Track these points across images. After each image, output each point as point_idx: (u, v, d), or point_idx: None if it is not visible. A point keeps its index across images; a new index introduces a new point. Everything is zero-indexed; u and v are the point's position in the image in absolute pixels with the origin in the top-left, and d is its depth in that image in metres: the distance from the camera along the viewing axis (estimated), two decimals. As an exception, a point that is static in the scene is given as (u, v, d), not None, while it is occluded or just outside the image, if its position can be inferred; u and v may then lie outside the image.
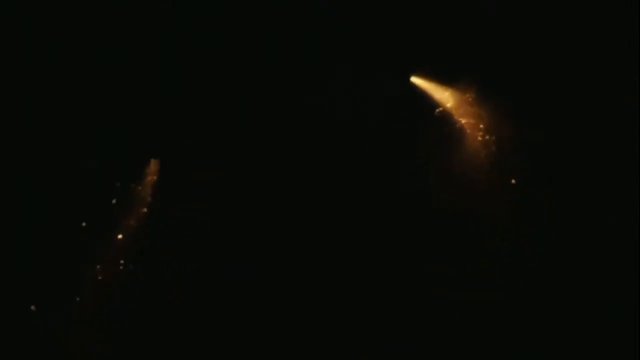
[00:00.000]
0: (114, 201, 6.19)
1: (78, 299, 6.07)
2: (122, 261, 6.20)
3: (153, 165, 6.32)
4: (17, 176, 6.12)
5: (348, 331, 6.12)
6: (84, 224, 6.11)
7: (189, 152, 6.33)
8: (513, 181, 6.10)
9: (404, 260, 6.19)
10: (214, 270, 6.26)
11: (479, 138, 6.16)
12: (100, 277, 6.15)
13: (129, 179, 6.28)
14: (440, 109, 6.20)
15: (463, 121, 6.22)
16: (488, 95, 6.12)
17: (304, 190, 6.32)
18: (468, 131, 6.18)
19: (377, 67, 6.29)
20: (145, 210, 6.28)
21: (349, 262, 6.21)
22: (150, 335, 6.15)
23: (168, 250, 6.26)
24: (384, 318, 6.12)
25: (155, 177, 6.30)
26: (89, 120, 6.28)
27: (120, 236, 6.22)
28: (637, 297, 5.73)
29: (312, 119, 6.33)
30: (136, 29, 6.24)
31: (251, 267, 6.23)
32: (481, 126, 6.20)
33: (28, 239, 6.08)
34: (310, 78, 6.34)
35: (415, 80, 6.23)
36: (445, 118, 6.24)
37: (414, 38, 6.24)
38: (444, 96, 6.25)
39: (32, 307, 5.98)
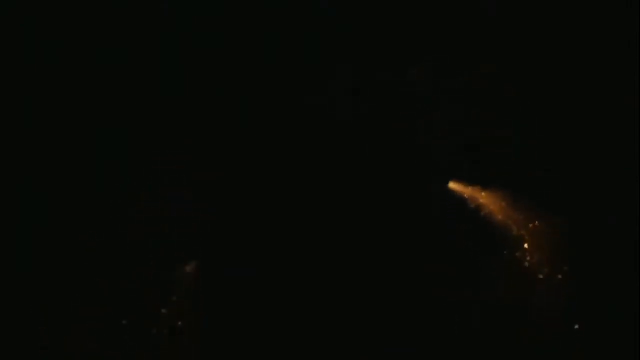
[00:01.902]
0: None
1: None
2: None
3: None
4: (17, 176, 6.13)
5: (348, 331, 6.12)
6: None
7: (189, 152, 6.34)
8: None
9: (404, 260, 6.19)
10: (213, 270, 6.26)
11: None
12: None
13: (129, 178, 6.29)
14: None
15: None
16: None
17: (303, 190, 6.32)
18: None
19: (377, 67, 6.30)
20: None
21: (349, 262, 6.21)
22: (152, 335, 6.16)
23: (168, 251, 6.26)
24: (384, 318, 6.12)
25: None
26: (88, 120, 6.28)
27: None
28: (637, 297, 5.74)
29: (312, 119, 6.34)
30: (136, 29, 6.25)
31: (251, 267, 6.23)
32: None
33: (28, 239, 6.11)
34: (310, 78, 6.35)
35: (453, 185, 6.25)
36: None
37: (414, 37, 6.25)
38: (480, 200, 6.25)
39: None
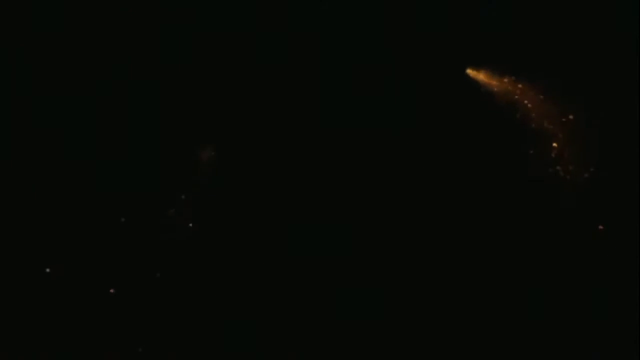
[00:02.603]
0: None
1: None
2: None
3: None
4: (18, 176, 6.13)
5: (348, 331, 6.12)
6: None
7: (189, 152, 6.34)
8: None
9: (404, 260, 6.19)
10: (214, 271, 6.27)
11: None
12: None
13: (130, 179, 6.29)
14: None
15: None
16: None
17: (304, 189, 6.33)
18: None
19: (377, 67, 6.31)
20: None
21: (349, 263, 6.21)
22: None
23: (168, 253, 6.26)
24: (384, 318, 6.12)
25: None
26: (88, 121, 6.28)
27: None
28: (638, 297, 5.75)
29: (311, 119, 6.34)
30: (136, 28, 6.25)
31: (251, 268, 6.23)
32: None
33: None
34: (310, 78, 6.35)
35: (472, 72, 5.96)
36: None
37: (416, 37, 6.27)
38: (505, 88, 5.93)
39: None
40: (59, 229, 6.11)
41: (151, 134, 6.28)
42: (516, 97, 5.96)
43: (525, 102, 5.93)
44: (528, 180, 5.89)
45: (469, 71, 5.95)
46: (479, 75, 5.96)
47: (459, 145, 6.07)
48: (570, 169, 5.81)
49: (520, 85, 5.96)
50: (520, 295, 5.83)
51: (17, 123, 6.15)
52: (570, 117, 5.87)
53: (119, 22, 6.26)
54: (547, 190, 5.87)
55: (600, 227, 5.66)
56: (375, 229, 6.14)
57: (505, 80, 5.98)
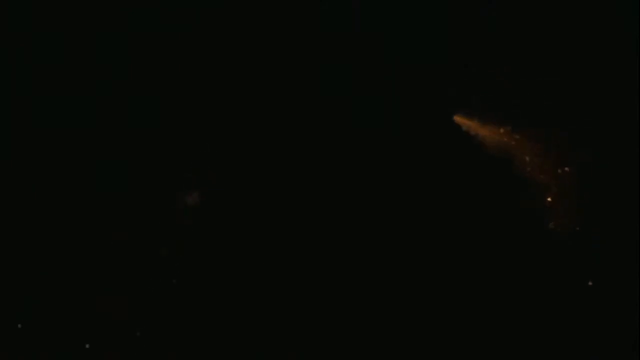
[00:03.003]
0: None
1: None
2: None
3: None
4: (18, 176, 6.13)
5: (348, 331, 6.13)
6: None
7: (191, 153, 6.34)
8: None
9: (404, 261, 6.20)
10: (213, 271, 6.27)
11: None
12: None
13: (130, 180, 6.29)
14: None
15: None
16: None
17: (304, 191, 6.33)
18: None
19: (377, 68, 6.32)
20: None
21: (349, 263, 6.22)
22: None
23: (169, 252, 6.26)
24: (384, 318, 6.13)
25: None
26: (88, 121, 6.28)
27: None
28: (638, 297, 5.77)
29: (310, 119, 6.35)
30: (136, 29, 6.26)
31: (252, 268, 6.23)
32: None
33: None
34: (310, 78, 6.36)
35: (459, 119, 5.99)
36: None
37: (414, 38, 6.28)
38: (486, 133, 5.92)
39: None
40: (58, 229, 6.13)
41: (150, 136, 6.30)
42: (512, 149, 5.96)
43: (520, 152, 5.93)
44: (521, 233, 5.91)
45: (458, 118, 5.94)
46: (469, 124, 5.97)
47: (450, 196, 6.08)
48: (562, 222, 5.82)
49: (517, 136, 5.97)
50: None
51: (17, 123, 6.16)
52: (566, 169, 5.87)
53: (118, 22, 6.27)
54: (539, 243, 5.88)
55: (590, 283, 5.67)
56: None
57: (502, 130, 5.99)
